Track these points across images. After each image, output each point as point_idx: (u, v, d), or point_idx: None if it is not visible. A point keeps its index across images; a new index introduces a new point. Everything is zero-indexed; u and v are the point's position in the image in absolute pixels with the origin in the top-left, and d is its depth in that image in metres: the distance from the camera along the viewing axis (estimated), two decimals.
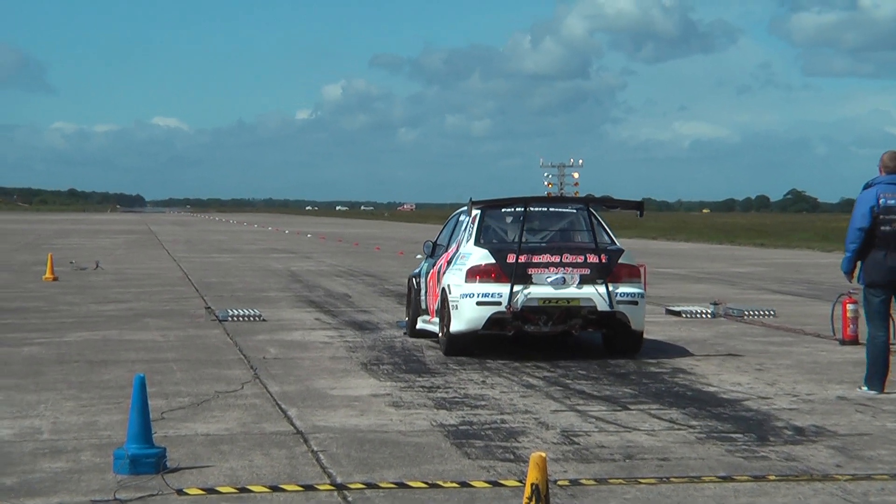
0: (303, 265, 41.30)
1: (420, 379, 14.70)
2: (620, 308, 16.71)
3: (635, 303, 16.91)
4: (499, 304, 16.56)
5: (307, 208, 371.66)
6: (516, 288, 16.58)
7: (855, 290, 15.93)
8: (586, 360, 16.63)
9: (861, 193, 13.78)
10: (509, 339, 17.18)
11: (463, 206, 18.62)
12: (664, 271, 38.78)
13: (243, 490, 8.94)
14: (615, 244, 17.60)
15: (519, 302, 16.57)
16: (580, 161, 69.90)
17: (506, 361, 16.31)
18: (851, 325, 18.43)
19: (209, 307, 23.37)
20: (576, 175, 68.28)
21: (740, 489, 9.16)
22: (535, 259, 16.76)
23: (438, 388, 13.98)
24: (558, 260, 16.78)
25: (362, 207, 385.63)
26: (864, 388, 13.85)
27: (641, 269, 17.63)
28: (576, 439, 10.97)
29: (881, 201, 13.56)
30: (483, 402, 12.94)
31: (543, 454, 7.01)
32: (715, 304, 23.45)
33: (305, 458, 10.12)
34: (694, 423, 11.88)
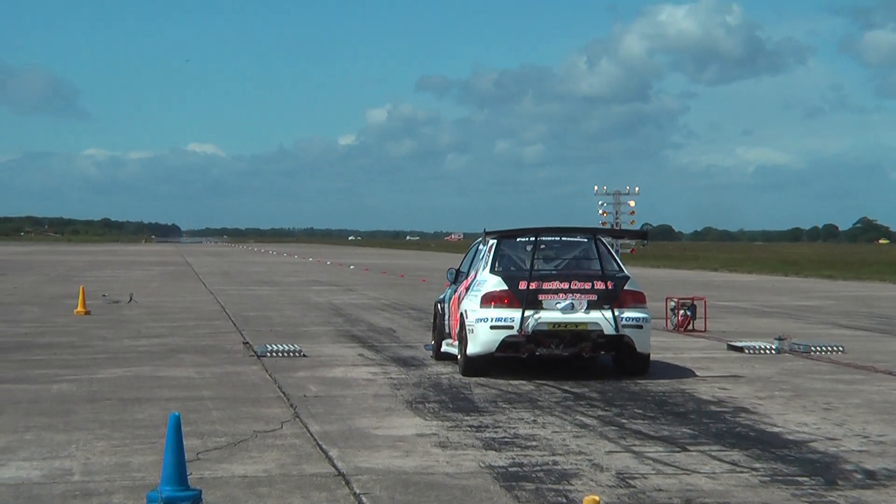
0: (345, 298, 41.42)
1: (468, 418, 14.69)
2: (626, 332, 18.57)
3: (640, 326, 18.74)
4: (511, 328, 18.47)
5: (350, 238, 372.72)
6: (527, 313, 18.44)
7: None
8: (643, 399, 16.59)
9: None
10: (523, 362, 19.08)
11: None
12: (726, 304, 38.60)
13: None
14: (623, 271, 19.49)
15: (530, 326, 18.44)
16: (636, 189, 69.82)
17: (558, 400, 16.30)
18: None
19: (247, 342, 23.47)
20: (632, 203, 68.22)
21: None
22: (546, 286, 18.63)
23: (487, 427, 13.97)
24: (567, 286, 18.65)
25: (408, 237, 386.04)
26: None
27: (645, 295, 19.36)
28: (632, 482, 10.93)
29: None
30: (534, 443, 12.92)
31: (597, 498, 7.00)
32: (780, 339, 23.32)
33: (347, 501, 10.13)
34: (757, 465, 11.81)
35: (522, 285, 18.58)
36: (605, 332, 18.48)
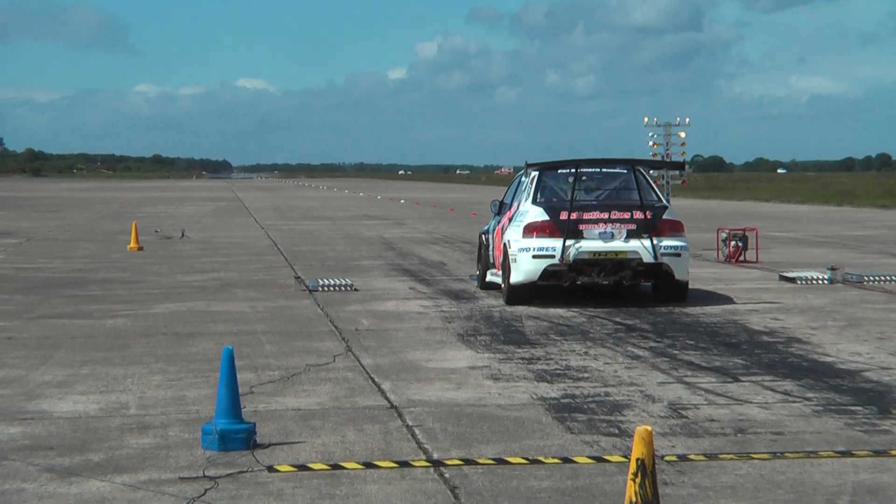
0: (396, 232, 41.46)
1: (519, 350, 14.72)
2: (665, 260, 19.06)
3: (678, 255, 19.20)
4: (553, 256, 18.97)
5: (400, 173, 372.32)
6: (568, 242, 18.96)
7: None
8: (694, 330, 16.55)
9: None
10: (565, 290, 19.65)
11: None
12: (778, 235, 38.38)
13: (336, 467, 9.02)
14: (661, 201, 19.95)
15: (571, 255, 18.96)
16: (687, 120, 68.98)
17: (609, 332, 16.29)
18: None
19: (299, 277, 23.57)
20: (682, 135, 67.38)
21: (860, 464, 9.06)
22: (586, 216, 19.17)
23: (539, 359, 13.99)
24: (607, 216, 19.16)
25: (458, 171, 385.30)
26: None
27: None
28: (684, 413, 10.92)
29: None
30: (586, 374, 12.93)
31: (649, 428, 6.98)
32: (832, 269, 23.15)
33: (400, 433, 10.18)
34: (810, 395, 11.77)
35: (564, 215, 19.11)
36: (645, 261, 18.99)
